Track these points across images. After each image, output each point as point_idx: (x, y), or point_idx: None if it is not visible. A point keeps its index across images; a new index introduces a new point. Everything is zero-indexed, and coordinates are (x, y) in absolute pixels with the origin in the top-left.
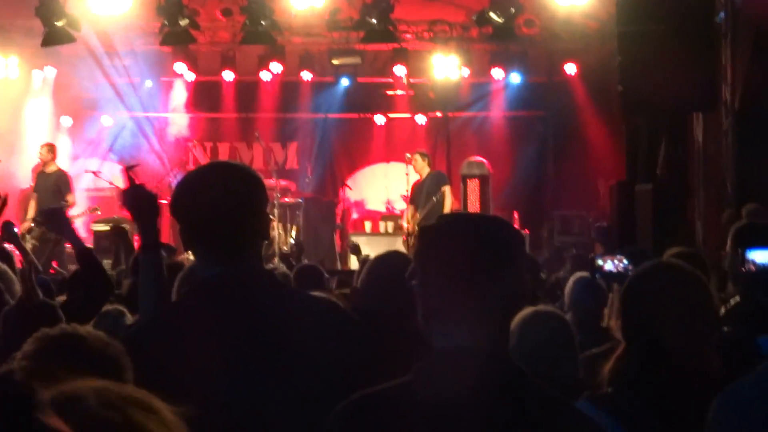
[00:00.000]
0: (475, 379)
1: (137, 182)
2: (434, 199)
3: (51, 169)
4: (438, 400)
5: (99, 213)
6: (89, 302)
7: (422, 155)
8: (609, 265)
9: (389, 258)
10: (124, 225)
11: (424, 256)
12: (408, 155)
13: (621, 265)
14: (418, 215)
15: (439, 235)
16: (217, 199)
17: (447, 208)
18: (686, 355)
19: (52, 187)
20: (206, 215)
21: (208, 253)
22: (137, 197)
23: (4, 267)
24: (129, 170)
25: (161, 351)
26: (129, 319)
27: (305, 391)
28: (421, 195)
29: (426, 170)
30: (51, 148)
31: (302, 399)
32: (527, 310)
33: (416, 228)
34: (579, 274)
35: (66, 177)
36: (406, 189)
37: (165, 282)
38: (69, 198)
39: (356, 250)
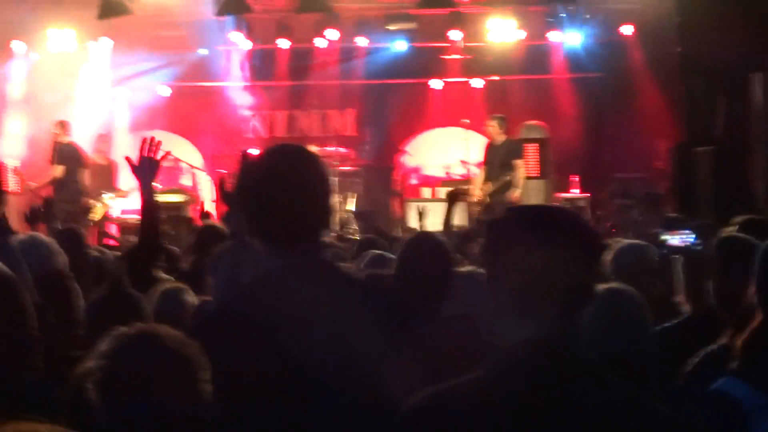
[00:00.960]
0: (550, 376)
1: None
2: (508, 177)
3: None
4: (515, 396)
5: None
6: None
7: (500, 121)
8: (675, 240)
9: (420, 243)
10: (184, 200)
11: (493, 251)
12: (466, 121)
13: (688, 240)
14: (490, 185)
15: (509, 229)
16: (283, 188)
17: (520, 182)
18: None
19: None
20: (271, 204)
21: (272, 242)
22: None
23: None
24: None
25: (231, 345)
26: (191, 296)
27: (359, 388)
28: (494, 163)
29: (502, 137)
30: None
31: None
32: (599, 288)
33: (487, 198)
34: (628, 241)
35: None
36: (465, 155)
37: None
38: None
39: (422, 214)
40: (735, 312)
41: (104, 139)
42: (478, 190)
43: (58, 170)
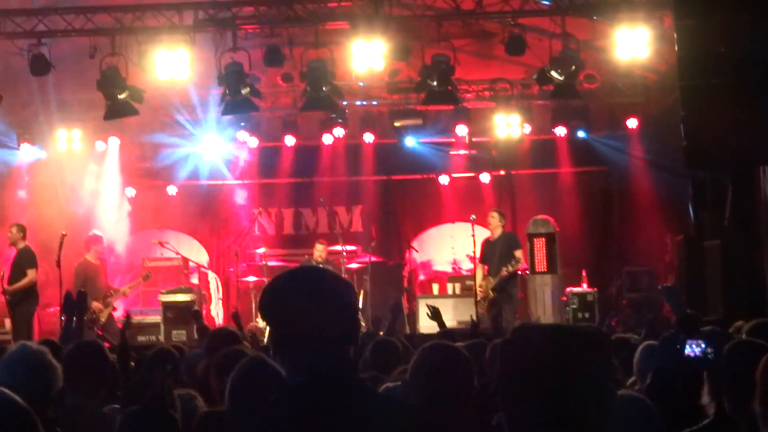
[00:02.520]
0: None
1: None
2: (509, 267)
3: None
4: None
5: (150, 277)
6: None
7: (500, 214)
8: (689, 350)
9: (436, 351)
10: (191, 298)
11: (507, 376)
12: (473, 216)
13: (700, 349)
14: (490, 279)
15: (522, 355)
16: (310, 306)
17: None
18: None
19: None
20: (294, 322)
21: (295, 359)
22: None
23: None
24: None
25: None
26: (201, 403)
27: None
28: (493, 256)
29: (500, 230)
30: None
31: None
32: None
33: (490, 293)
34: (649, 342)
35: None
36: (472, 250)
37: None
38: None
39: (436, 314)
40: (747, 418)
41: (96, 239)
42: (478, 286)
43: (32, 274)
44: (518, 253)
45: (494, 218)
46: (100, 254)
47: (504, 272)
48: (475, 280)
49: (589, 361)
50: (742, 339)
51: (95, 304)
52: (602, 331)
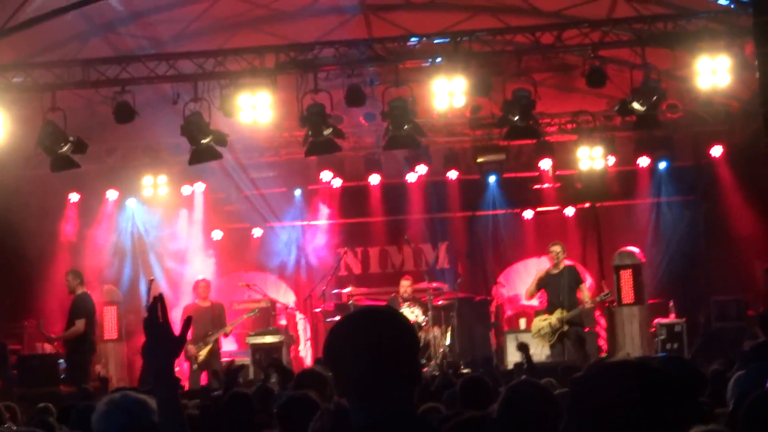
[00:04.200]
0: None
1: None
2: (586, 304)
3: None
4: None
5: (257, 313)
6: None
7: (563, 247)
8: None
9: (523, 390)
10: (279, 339)
11: (580, 414)
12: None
13: None
14: (564, 312)
15: (596, 394)
16: (371, 348)
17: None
18: None
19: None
20: (359, 364)
21: (360, 400)
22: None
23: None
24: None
25: None
26: None
27: None
28: (562, 287)
29: (562, 264)
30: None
31: None
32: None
33: (565, 326)
34: (740, 373)
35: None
36: None
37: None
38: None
39: (524, 348)
40: None
41: (205, 283)
42: (554, 319)
43: (81, 324)
44: (583, 286)
45: (559, 252)
46: (208, 297)
47: (588, 304)
48: (547, 313)
49: (668, 405)
50: None
51: (189, 347)
52: (691, 365)
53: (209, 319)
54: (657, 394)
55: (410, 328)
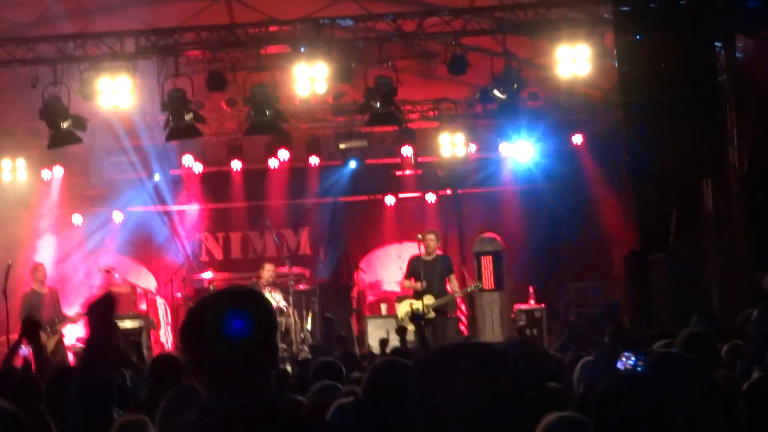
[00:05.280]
0: None
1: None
2: (455, 293)
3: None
4: None
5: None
6: None
7: (437, 235)
8: (621, 363)
9: (387, 368)
10: (138, 325)
11: (422, 395)
12: (420, 236)
13: (632, 362)
14: (432, 298)
15: (435, 375)
16: (226, 329)
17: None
18: None
19: None
20: (214, 345)
21: (215, 382)
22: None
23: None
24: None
25: None
26: (152, 429)
27: None
28: (434, 276)
29: (436, 251)
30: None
31: None
32: (551, 417)
33: (431, 312)
34: (587, 358)
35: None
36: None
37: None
38: None
39: (403, 332)
40: None
41: (42, 267)
42: (422, 305)
43: None
44: (452, 277)
45: (434, 240)
46: (45, 283)
47: (457, 294)
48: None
49: (511, 386)
50: (668, 350)
51: (42, 335)
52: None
53: (51, 306)
54: (500, 376)
55: (269, 311)
